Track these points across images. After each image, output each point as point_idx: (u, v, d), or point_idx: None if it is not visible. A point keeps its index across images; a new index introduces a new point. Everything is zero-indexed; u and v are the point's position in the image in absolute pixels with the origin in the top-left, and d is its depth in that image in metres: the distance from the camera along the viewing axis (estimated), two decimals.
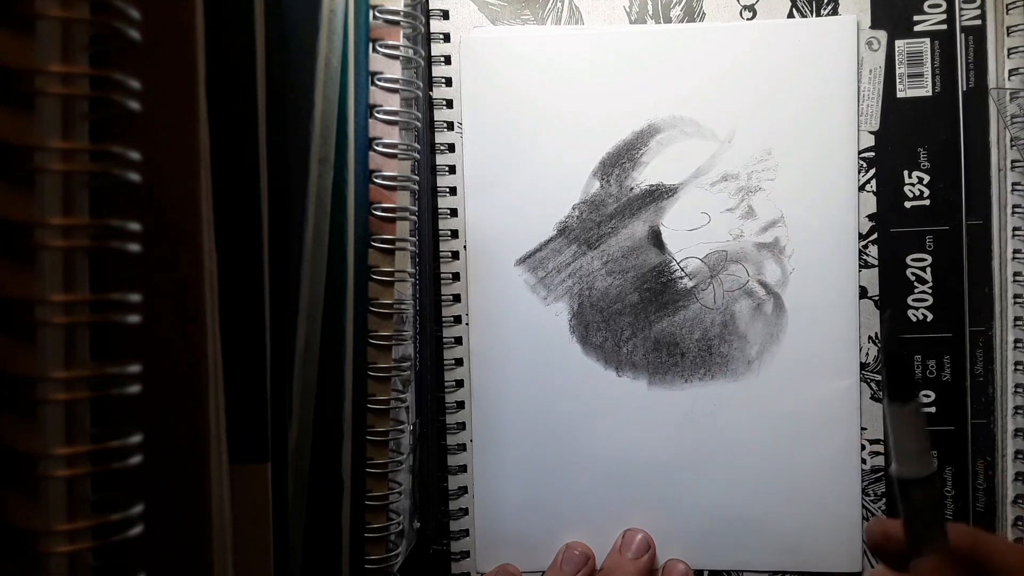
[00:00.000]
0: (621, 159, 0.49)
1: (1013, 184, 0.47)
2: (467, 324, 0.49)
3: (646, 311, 0.49)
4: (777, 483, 0.48)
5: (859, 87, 0.48)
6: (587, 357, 0.49)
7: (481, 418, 0.49)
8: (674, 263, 0.49)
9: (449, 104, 0.49)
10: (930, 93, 0.48)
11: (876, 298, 0.48)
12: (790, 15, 0.48)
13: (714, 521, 0.48)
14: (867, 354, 0.48)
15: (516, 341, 0.49)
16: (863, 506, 0.48)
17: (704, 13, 0.49)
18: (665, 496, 0.48)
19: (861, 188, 0.48)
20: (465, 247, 0.49)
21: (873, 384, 0.48)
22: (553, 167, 0.49)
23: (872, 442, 0.48)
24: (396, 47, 0.42)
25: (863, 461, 0.48)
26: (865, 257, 0.48)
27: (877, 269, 0.48)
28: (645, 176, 0.49)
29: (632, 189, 0.49)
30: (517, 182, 0.49)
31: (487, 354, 0.49)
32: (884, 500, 0.48)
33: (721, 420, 0.48)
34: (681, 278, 0.49)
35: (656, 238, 0.49)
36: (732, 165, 0.48)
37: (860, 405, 0.48)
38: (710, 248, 0.49)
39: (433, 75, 0.49)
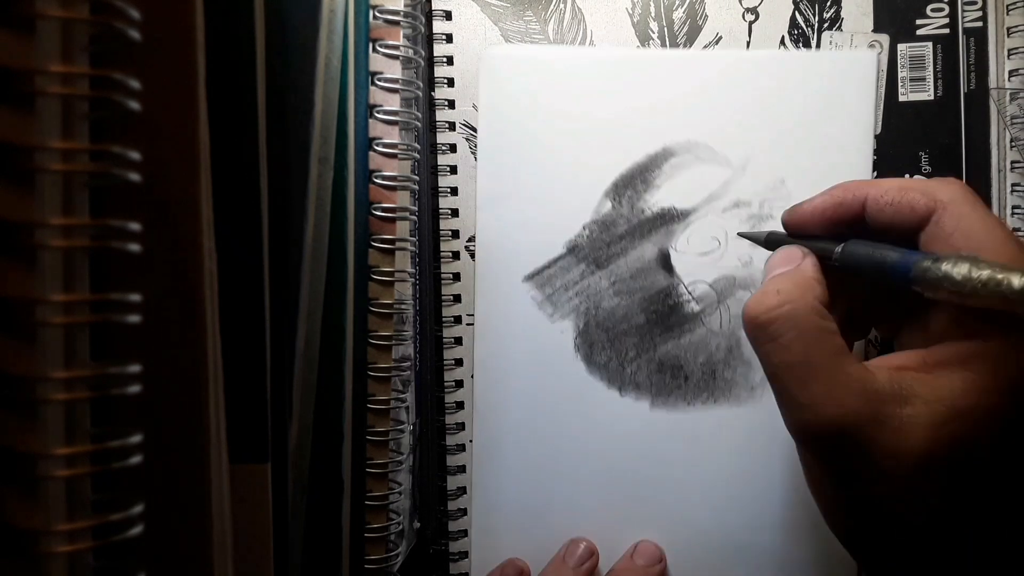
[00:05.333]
0: (634, 181, 0.48)
1: (1012, 185, 0.47)
2: (468, 325, 0.49)
3: (652, 333, 0.49)
4: (776, 510, 0.48)
5: None
6: (591, 376, 0.49)
7: (483, 429, 0.49)
8: (682, 286, 0.48)
9: (451, 104, 0.49)
10: (932, 97, 0.47)
11: None
12: (793, 17, 0.48)
13: (712, 544, 0.48)
14: None
15: (521, 356, 0.49)
16: None
17: (707, 15, 0.49)
18: (662, 517, 0.48)
19: None
20: (467, 248, 0.49)
21: None
22: (565, 186, 0.49)
23: None
24: (396, 47, 0.42)
25: None
26: None
27: None
28: (657, 199, 0.48)
29: (644, 211, 0.48)
30: (529, 199, 0.49)
31: (492, 368, 0.49)
32: None
33: (722, 445, 0.48)
34: (688, 302, 0.48)
35: (665, 261, 0.49)
36: (745, 193, 0.48)
37: None
38: (719, 273, 0.48)
39: (436, 76, 0.49)
